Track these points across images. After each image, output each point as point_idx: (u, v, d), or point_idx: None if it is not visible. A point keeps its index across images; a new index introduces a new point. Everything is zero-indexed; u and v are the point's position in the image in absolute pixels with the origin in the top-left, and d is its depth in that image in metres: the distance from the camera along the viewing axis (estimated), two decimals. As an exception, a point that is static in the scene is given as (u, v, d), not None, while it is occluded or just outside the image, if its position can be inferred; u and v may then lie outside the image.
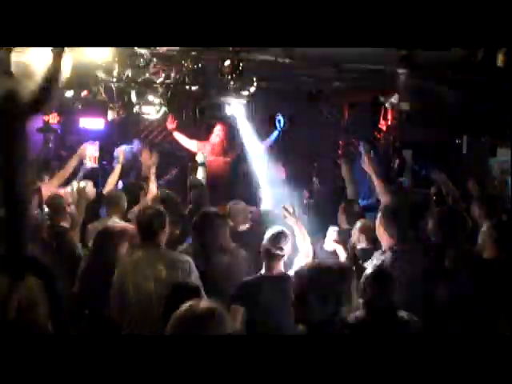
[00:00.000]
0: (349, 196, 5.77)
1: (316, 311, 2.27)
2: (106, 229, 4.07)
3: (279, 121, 7.67)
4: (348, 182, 5.87)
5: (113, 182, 6.05)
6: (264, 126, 8.13)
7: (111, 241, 3.84)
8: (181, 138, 7.80)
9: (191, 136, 7.94)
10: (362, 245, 4.47)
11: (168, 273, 3.48)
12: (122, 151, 6.37)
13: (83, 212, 4.81)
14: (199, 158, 7.42)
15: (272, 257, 3.73)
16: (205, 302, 1.98)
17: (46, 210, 4.82)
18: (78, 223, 4.71)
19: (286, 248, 3.79)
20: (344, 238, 4.75)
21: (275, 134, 7.79)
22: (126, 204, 5.10)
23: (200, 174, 7.30)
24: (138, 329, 3.35)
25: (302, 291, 2.34)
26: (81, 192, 4.96)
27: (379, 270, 3.38)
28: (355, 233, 4.56)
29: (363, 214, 5.54)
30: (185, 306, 1.95)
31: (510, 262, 3.58)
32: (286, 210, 4.18)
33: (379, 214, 4.05)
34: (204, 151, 7.62)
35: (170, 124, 7.63)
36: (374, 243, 4.39)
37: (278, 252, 3.72)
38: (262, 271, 3.79)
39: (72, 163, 5.72)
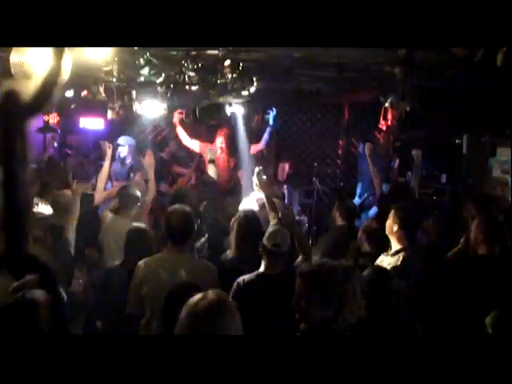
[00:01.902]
0: (373, 180, 5.82)
1: (318, 310, 2.28)
2: (140, 228, 4.14)
3: (269, 118, 7.67)
4: (374, 173, 5.90)
5: (103, 179, 5.79)
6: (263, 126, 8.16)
7: (147, 240, 3.89)
8: (183, 135, 7.75)
9: (191, 136, 7.92)
10: (364, 248, 4.47)
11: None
12: (109, 146, 6.06)
13: (77, 211, 4.82)
14: (208, 155, 7.40)
15: (270, 254, 3.73)
16: (213, 292, 1.96)
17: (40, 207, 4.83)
18: (74, 221, 4.72)
19: (285, 246, 3.79)
20: (341, 235, 4.81)
21: (268, 130, 7.78)
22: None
23: (211, 171, 7.28)
24: (152, 330, 3.31)
25: (304, 290, 2.34)
26: (75, 190, 4.97)
27: (380, 270, 3.38)
28: (360, 235, 4.55)
29: (358, 210, 5.60)
30: (196, 297, 1.93)
31: (502, 257, 3.60)
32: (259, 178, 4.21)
33: (392, 215, 4.04)
34: (206, 154, 7.63)
35: (176, 118, 7.58)
36: (378, 247, 4.39)
37: (277, 250, 3.72)
38: (261, 269, 3.79)
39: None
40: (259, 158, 8.63)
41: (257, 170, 4.79)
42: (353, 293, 2.37)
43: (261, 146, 7.89)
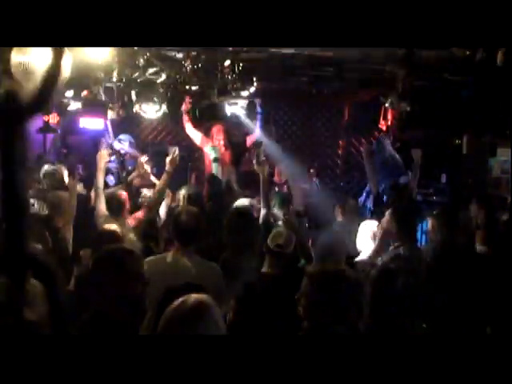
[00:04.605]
0: (371, 189, 5.82)
1: (316, 310, 2.28)
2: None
3: (256, 105, 7.65)
4: (369, 174, 5.89)
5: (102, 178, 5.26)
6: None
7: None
8: (188, 124, 7.65)
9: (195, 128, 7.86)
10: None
11: None
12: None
13: (74, 208, 4.77)
14: (212, 154, 7.36)
15: (273, 255, 3.73)
16: (195, 295, 1.97)
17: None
18: (71, 220, 4.69)
19: (289, 247, 3.79)
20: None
21: (259, 118, 7.75)
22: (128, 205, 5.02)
23: (215, 170, 7.24)
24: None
25: (306, 288, 2.35)
26: (71, 189, 4.92)
27: (382, 271, 3.38)
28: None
29: (360, 208, 5.64)
30: (178, 300, 1.94)
31: (503, 258, 3.62)
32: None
33: (390, 213, 4.05)
34: (206, 149, 7.62)
35: (186, 105, 7.51)
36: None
37: (280, 250, 3.72)
38: (263, 269, 3.79)
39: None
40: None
41: (257, 149, 4.79)
42: (358, 304, 2.35)
43: (257, 134, 7.83)
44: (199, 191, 5.46)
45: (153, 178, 6.26)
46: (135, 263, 2.59)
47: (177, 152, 5.16)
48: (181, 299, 1.94)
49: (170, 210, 5.14)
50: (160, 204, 5.26)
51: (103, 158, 5.30)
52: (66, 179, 5.48)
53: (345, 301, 2.29)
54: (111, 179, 6.98)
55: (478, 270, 3.68)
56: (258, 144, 4.75)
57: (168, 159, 5.11)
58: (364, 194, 6.35)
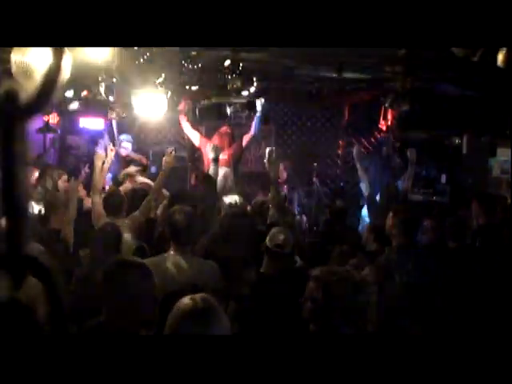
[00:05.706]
0: (364, 191, 5.80)
1: (321, 314, 2.28)
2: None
3: (255, 105, 7.61)
4: (362, 175, 5.87)
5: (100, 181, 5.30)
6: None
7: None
8: (186, 125, 7.61)
9: (193, 127, 7.83)
10: (370, 247, 4.47)
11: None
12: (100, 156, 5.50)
13: (74, 209, 4.76)
14: (211, 153, 7.29)
15: (272, 255, 3.73)
16: (200, 296, 1.97)
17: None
18: (71, 221, 4.67)
19: (288, 247, 3.78)
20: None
21: (256, 117, 7.68)
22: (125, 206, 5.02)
23: (212, 171, 7.17)
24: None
25: (311, 292, 2.35)
26: (72, 189, 4.89)
27: (381, 268, 3.38)
28: (365, 233, 4.58)
29: (346, 210, 5.65)
30: (182, 301, 1.93)
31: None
32: None
33: (391, 214, 4.04)
34: (205, 149, 7.58)
35: (182, 106, 7.47)
36: (384, 244, 4.39)
37: (279, 250, 3.72)
38: (262, 269, 3.79)
39: None
40: (258, 158, 8.60)
41: (268, 149, 4.88)
42: (362, 306, 2.34)
43: (251, 133, 7.74)
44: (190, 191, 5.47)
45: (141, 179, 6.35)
46: (145, 278, 2.58)
47: (174, 152, 5.18)
48: (186, 300, 1.93)
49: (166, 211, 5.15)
50: (155, 203, 5.26)
51: (101, 158, 5.32)
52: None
53: (351, 302, 2.28)
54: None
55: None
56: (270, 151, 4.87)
57: (164, 159, 5.13)
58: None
